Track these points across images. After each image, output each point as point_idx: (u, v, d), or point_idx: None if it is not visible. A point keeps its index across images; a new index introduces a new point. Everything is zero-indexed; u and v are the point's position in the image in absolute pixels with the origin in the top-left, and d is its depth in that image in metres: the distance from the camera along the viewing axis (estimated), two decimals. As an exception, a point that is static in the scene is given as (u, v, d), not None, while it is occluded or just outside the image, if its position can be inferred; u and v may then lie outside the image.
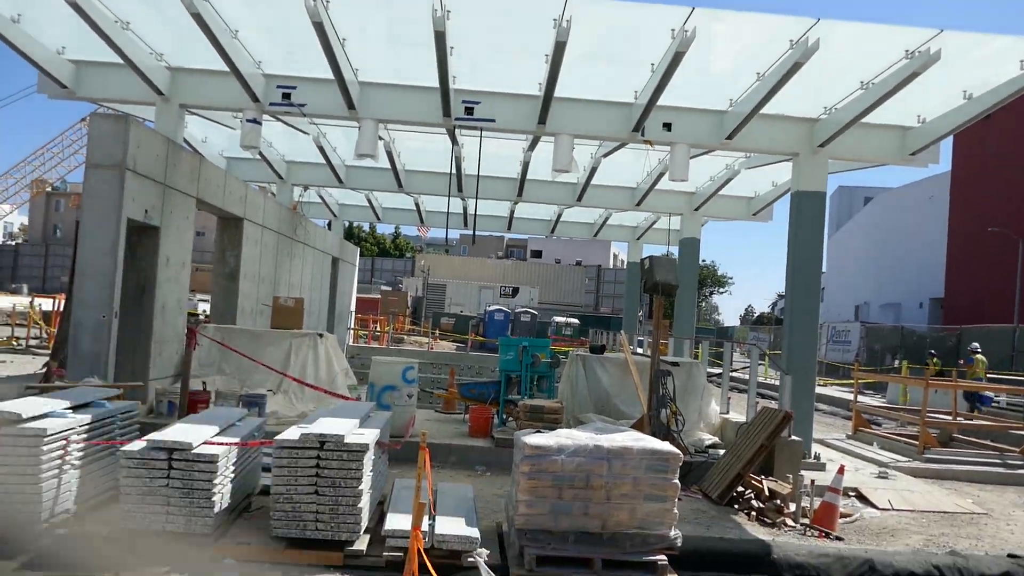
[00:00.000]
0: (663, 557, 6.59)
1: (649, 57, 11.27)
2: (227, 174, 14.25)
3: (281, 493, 6.58)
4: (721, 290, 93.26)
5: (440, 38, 10.39)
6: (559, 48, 10.42)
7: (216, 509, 6.56)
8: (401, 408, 10.86)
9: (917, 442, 14.19)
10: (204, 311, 25.83)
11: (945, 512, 10.22)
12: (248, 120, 12.64)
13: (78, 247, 10.32)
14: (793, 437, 10.80)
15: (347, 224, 28.66)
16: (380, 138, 14.29)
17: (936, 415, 16.27)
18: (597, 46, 11.39)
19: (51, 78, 12.70)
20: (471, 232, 22.54)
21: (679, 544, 6.70)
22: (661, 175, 16.85)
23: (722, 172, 17.47)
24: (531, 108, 12.69)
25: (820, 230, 12.96)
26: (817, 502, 9.18)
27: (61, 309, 21.81)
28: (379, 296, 42.88)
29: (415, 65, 12.04)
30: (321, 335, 13.05)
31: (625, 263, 32.18)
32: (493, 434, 11.52)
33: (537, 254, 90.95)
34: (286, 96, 12.62)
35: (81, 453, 7.08)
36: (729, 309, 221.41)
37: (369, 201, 24.18)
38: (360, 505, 6.62)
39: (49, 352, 22.24)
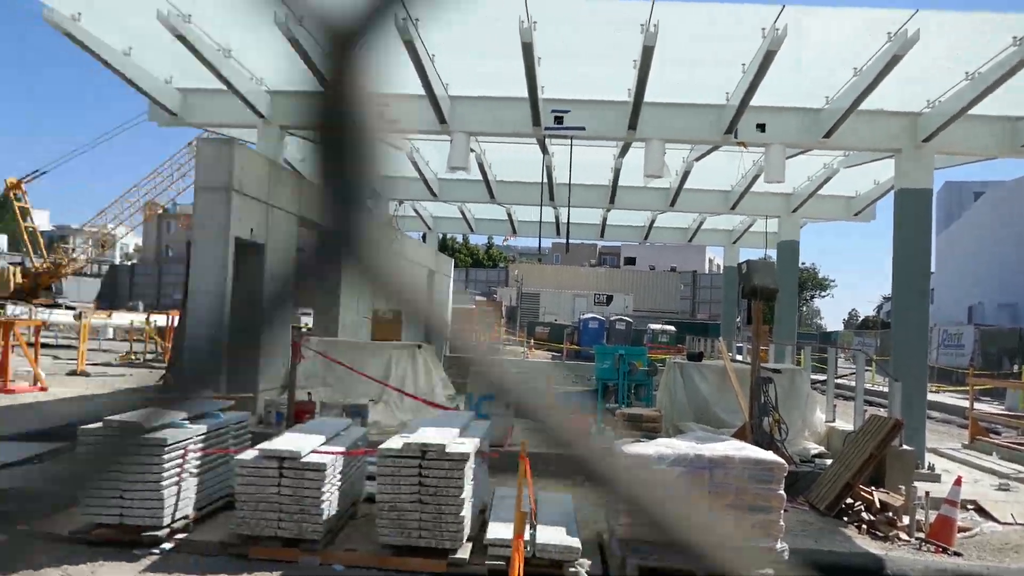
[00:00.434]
0: (770, 571, 6.43)
1: (739, 57, 11.07)
2: (326, 191, 14.72)
3: (386, 501, 6.73)
4: (823, 294, 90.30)
5: (528, 49, 10.48)
6: (647, 53, 10.35)
7: (325, 516, 6.78)
8: (500, 417, 10.94)
9: (1041, 451, 13.39)
10: (306, 324, 26.70)
11: (1075, 525, 9.61)
12: (345, 138, 13.02)
13: (191, 266, 10.86)
14: (904, 446, 10.35)
15: (441, 236, 29.11)
16: (471, 150, 14.49)
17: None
18: (686, 48, 11.26)
19: (161, 106, 13.43)
20: (564, 240, 22.53)
21: (786, 557, 6.53)
22: (756, 177, 16.48)
23: (820, 172, 16.96)
24: (620, 114, 12.63)
25: (927, 228, 12.42)
26: (932, 515, 8.76)
27: (176, 325, 22.96)
28: (474, 306, 43.32)
29: (503, 76, 12.16)
30: (420, 346, 13.31)
31: (721, 268, 31.53)
32: (591, 443, 11.48)
33: (630, 261, 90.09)
34: (380, 113, 12.94)
35: (198, 461, 7.43)
36: (831, 313, 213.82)
37: (462, 213, 24.51)
38: (462, 514, 6.71)
39: (165, 365, 23.46)
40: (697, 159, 15.79)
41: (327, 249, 1.06)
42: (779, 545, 6.49)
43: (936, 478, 11.24)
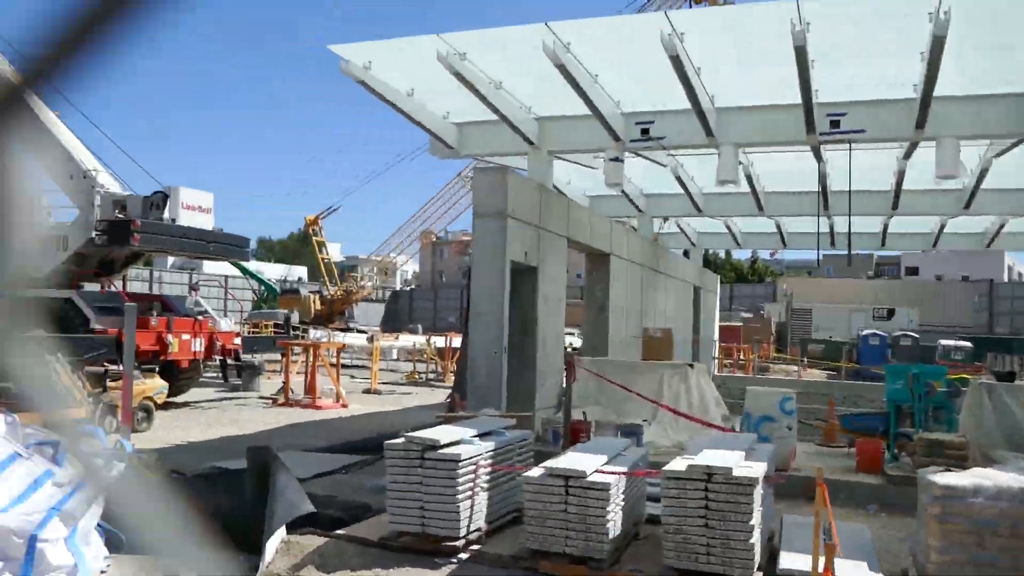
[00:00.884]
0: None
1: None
2: (592, 213, 15.02)
3: (671, 523, 6.62)
4: None
5: (801, 52, 10.01)
6: (937, 43, 9.45)
7: (610, 535, 6.81)
8: (781, 440, 10.44)
9: None
10: (570, 344, 27.31)
11: None
12: (611, 159, 13.22)
13: (471, 290, 11.53)
14: None
15: (704, 252, 28.60)
16: (739, 162, 14.07)
17: None
18: (984, 33, 10.14)
19: (440, 141, 14.46)
20: (838, 252, 21.18)
21: None
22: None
23: None
24: (904, 112, 11.68)
25: None
26: None
27: (456, 346, 24.55)
28: (740, 323, 41.86)
29: (771, 84, 11.72)
30: (692, 365, 13.08)
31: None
32: (885, 470, 10.57)
33: (912, 271, 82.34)
34: (644, 132, 12.99)
35: (488, 477, 7.80)
36: None
37: (728, 227, 23.89)
38: (751, 540, 6.43)
39: (445, 384, 25.13)
40: (997, 155, 14.14)
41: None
42: None
43: None
